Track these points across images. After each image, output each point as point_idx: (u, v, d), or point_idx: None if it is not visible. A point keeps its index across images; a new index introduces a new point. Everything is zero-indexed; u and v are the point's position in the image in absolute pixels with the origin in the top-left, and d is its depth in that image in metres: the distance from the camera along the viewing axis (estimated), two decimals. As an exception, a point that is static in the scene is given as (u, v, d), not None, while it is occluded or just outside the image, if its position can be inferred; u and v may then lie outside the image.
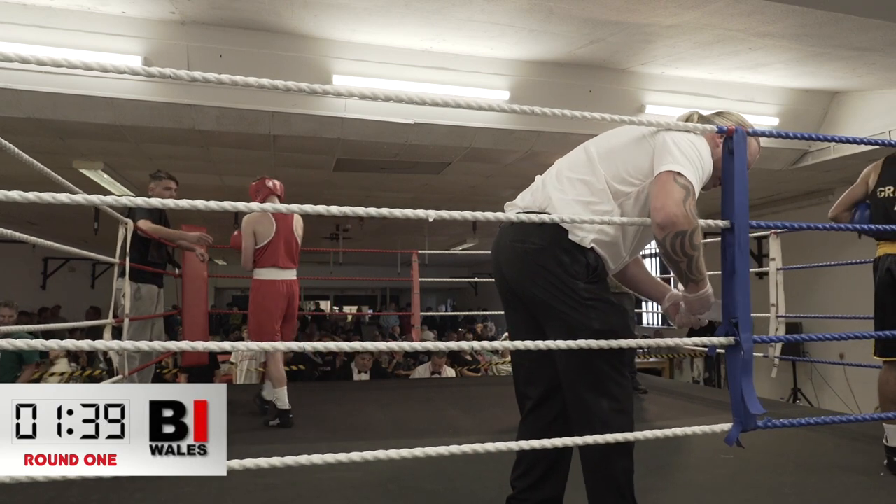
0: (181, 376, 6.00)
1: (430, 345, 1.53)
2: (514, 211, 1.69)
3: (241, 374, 6.64)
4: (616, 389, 1.56)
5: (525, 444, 1.46)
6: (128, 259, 3.29)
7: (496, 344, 1.59)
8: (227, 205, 1.31)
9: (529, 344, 1.46)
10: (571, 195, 1.60)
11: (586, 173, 1.63)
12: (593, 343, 1.47)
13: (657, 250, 1.58)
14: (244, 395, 4.75)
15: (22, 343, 1.25)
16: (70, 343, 1.25)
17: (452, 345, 1.51)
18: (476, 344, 1.54)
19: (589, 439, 1.46)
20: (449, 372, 6.51)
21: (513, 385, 1.82)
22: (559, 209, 1.59)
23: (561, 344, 1.45)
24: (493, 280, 1.80)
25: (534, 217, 1.53)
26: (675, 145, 1.56)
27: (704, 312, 1.66)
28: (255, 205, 1.42)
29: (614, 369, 1.56)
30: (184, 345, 1.35)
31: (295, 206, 1.34)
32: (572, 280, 1.55)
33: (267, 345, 1.36)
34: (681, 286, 1.68)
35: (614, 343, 1.49)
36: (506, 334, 8.99)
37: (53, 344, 1.31)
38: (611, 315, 1.58)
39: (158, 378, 5.54)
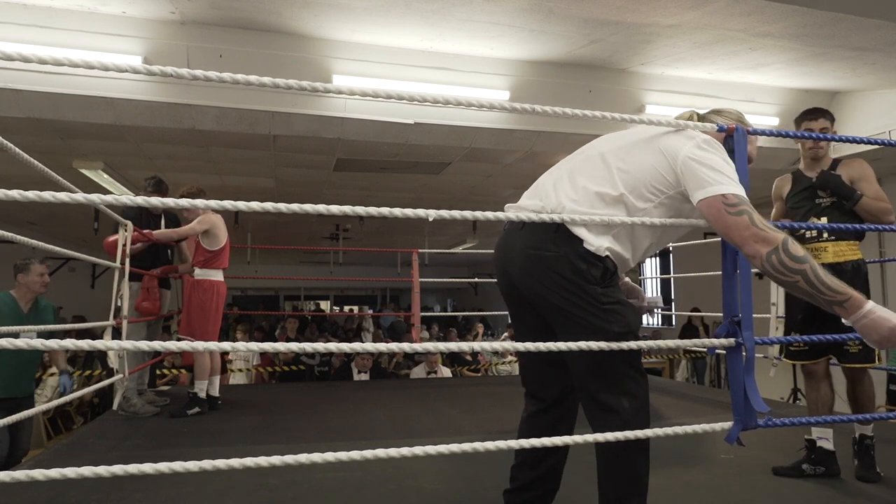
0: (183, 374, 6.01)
1: (431, 345, 1.52)
2: (522, 215, 1.63)
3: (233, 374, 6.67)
4: (636, 388, 1.57)
5: (536, 442, 1.46)
6: (128, 261, 3.29)
7: (496, 345, 1.58)
8: (228, 204, 1.31)
9: (542, 345, 1.46)
10: (586, 208, 1.57)
11: (604, 185, 1.58)
12: (605, 345, 1.47)
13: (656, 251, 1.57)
14: (243, 395, 4.75)
15: (22, 343, 1.25)
16: (70, 343, 1.25)
17: (453, 345, 1.50)
18: (477, 345, 1.53)
19: (600, 437, 1.47)
20: (445, 371, 6.51)
21: (513, 385, 1.82)
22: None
23: (572, 345, 1.45)
24: (497, 283, 1.76)
25: (547, 221, 1.51)
26: (701, 165, 1.52)
27: (887, 341, 1.39)
28: (255, 204, 1.38)
29: (633, 368, 1.57)
30: (183, 345, 1.35)
31: (295, 206, 1.33)
32: (590, 286, 1.54)
33: (267, 345, 1.35)
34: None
35: (633, 345, 1.50)
36: (505, 334, 8.99)
37: (53, 344, 1.31)
38: (628, 316, 1.58)
39: (161, 378, 5.54)
